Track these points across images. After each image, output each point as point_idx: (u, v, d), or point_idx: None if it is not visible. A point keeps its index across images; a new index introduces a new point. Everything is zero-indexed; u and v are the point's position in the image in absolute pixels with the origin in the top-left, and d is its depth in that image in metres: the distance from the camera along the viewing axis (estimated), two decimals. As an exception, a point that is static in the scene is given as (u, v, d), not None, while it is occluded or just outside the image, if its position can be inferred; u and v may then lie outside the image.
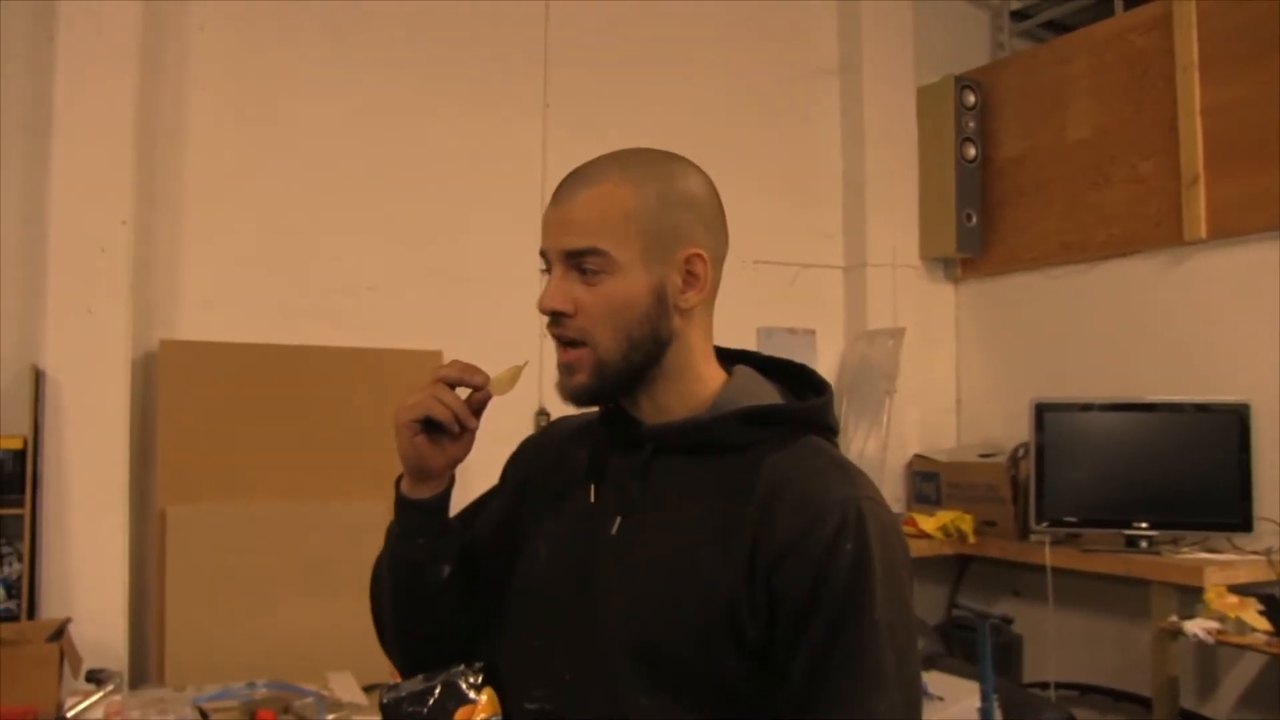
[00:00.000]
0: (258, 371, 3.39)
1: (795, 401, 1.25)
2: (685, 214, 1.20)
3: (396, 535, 1.28)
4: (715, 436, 1.19)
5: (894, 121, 4.58)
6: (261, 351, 3.41)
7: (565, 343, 1.20)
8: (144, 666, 3.20)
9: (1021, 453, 4.00)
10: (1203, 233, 3.74)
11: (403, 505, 1.26)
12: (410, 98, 3.78)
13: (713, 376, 1.25)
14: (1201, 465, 3.62)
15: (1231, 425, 3.57)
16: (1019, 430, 4.05)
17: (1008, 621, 2.83)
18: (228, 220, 3.51)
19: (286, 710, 2.56)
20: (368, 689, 2.91)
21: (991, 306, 4.62)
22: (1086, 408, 3.79)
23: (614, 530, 1.19)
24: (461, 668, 1.19)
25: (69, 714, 2.46)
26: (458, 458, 1.24)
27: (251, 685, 2.76)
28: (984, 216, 4.52)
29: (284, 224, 3.57)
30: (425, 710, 1.15)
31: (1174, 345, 3.85)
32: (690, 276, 1.20)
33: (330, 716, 2.55)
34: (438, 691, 1.16)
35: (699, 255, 1.20)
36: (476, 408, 1.23)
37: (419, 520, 1.26)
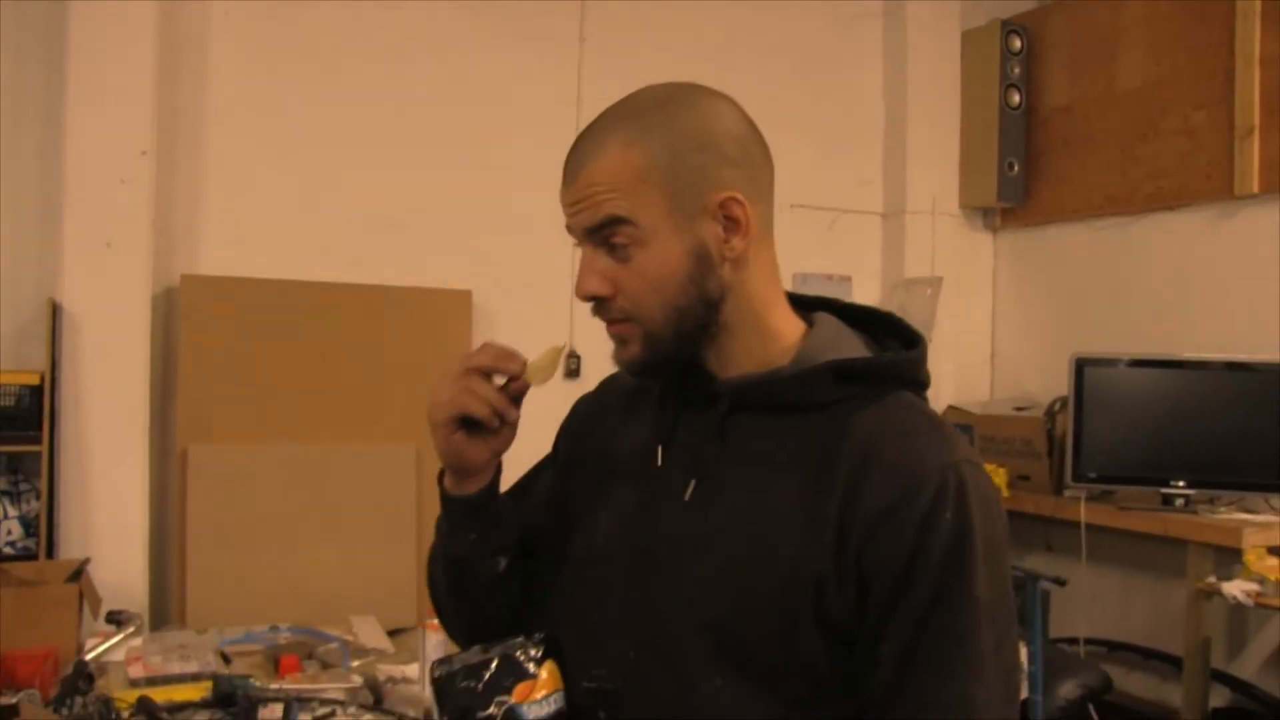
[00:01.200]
0: (281, 308, 3.32)
1: (885, 354, 1.13)
2: (703, 157, 1.06)
3: (445, 532, 1.19)
4: (801, 393, 1.08)
5: (937, 66, 4.47)
6: (285, 288, 3.34)
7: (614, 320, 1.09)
8: (164, 608, 3.17)
9: (1058, 407, 3.93)
10: (1254, 187, 3.64)
11: (448, 503, 1.17)
12: (443, 30, 3.68)
13: (788, 327, 1.13)
14: (1242, 425, 3.55)
15: (1273, 385, 3.49)
16: (1054, 384, 3.98)
17: (1061, 583, 2.75)
18: (251, 153, 3.42)
19: (310, 655, 2.52)
20: (392, 633, 2.89)
21: (1031, 258, 4.53)
22: (1130, 363, 3.70)
23: (687, 496, 1.08)
24: (521, 639, 1.09)
25: (89, 655, 2.41)
26: (500, 450, 1.14)
27: (275, 629, 2.72)
28: (1026, 166, 4.42)
29: (309, 158, 3.49)
30: (480, 686, 1.05)
31: (1218, 302, 3.77)
32: (730, 222, 1.07)
33: (355, 662, 2.51)
34: (494, 665, 1.06)
35: (733, 198, 1.06)
36: (515, 397, 1.11)
37: (466, 516, 1.16)
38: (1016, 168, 4.39)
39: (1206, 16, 3.80)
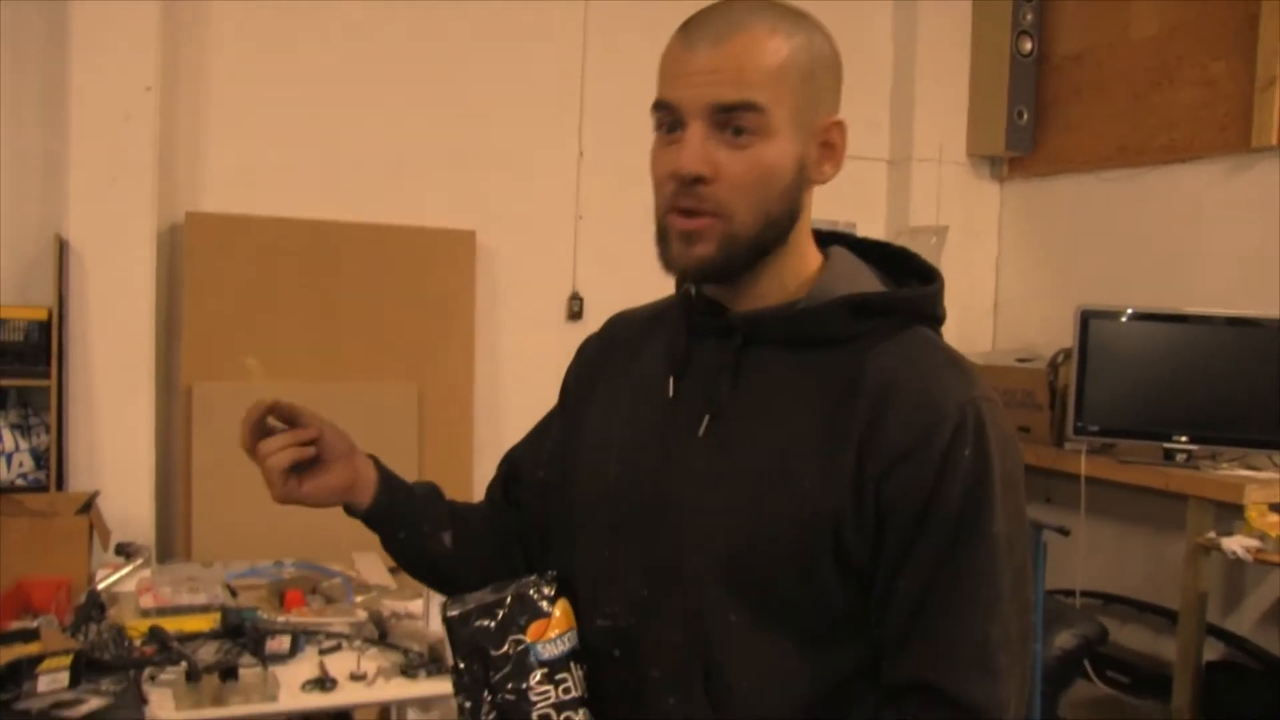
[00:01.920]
0: (286, 247, 3.31)
1: (903, 289, 1.11)
2: (831, 76, 1.06)
3: (381, 537, 1.23)
4: (817, 327, 1.05)
5: (948, 11, 4.40)
6: (290, 226, 3.33)
7: (692, 212, 1.03)
8: (170, 541, 3.20)
9: (1061, 359, 3.92)
10: (1273, 139, 3.58)
11: (365, 522, 1.21)
12: (447, -34, 3.62)
13: (812, 256, 1.11)
14: (1246, 381, 3.54)
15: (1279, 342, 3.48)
16: (1057, 336, 3.96)
17: (1065, 533, 2.76)
18: (256, 90, 3.39)
19: (314, 590, 2.55)
20: (394, 570, 2.90)
21: (1037, 208, 4.49)
22: (1134, 317, 3.69)
23: (701, 431, 1.06)
24: (534, 577, 1.09)
25: (100, 586, 2.45)
26: (350, 472, 1.19)
27: (279, 564, 2.74)
28: (1036, 114, 4.37)
29: (314, 96, 3.46)
30: (494, 625, 1.05)
31: (1227, 256, 3.73)
32: (827, 147, 1.06)
33: (358, 597, 2.53)
34: (508, 604, 1.06)
35: (839, 124, 1.06)
36: (288, 418, 1.17)
37: (382, 524, 1.21)
38: (1026, 116, 4.34)
39: (1229, -39, 3.73)
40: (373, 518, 1.20)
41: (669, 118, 1.04)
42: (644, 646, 1.06)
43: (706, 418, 1.07)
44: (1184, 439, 3.56)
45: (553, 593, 1.08)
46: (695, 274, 1.06)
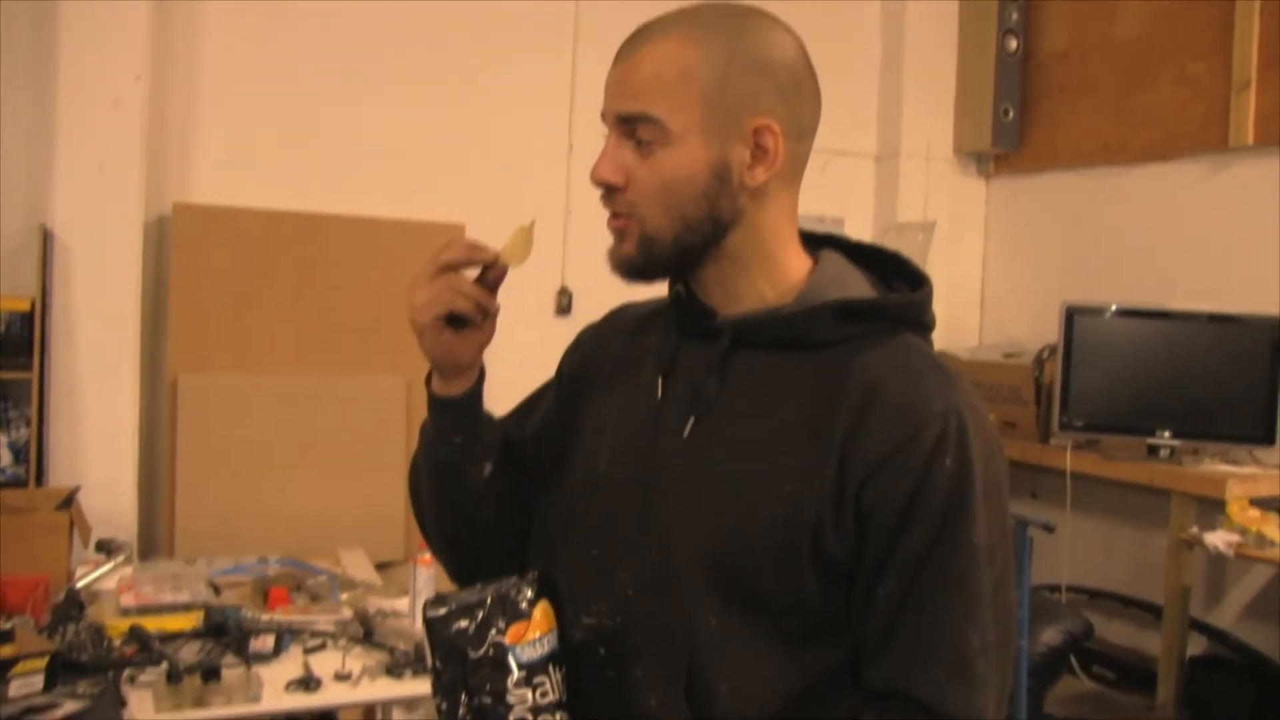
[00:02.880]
0: (274, 238, 3.29)
1: (891, 294, 1.11)
2: (756, 79, 1.05)
3: (431, 436, 1.17)
4: (805, 331, 1.06)
5: (935, 10, 4.43)
6: (278, 218, 3.31)
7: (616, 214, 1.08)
8: (153, 538, 3.18)
9: (1046, 355, 3.94)
10: (1249, 139, 3.63)
11: (436, 404, 1.15)
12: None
13: (797, 264, 1.11)
14: (1229, 377, 3.58)
15: (1263, 338, 3.52)
16: (1042, 331, 3.98)
17: (1050, 529, 2.77)
18: (245, 80, 3.37)
19: (299, 588, 2.53)
20: (379, 567, 2.89)
21: (1023, 204, 4.52)
22: (1118, 313, 3.71)
23: (686, 432, 1.07)
24: (515, 578, 1.08)
25: (79, 583, 2.43)
26: (485, 343, 1.13)
27: (264, 560, 2.73)
28: (1022, 112, 4.40)
29: (303, 87, 3.44)
30: (474, 626, 1.04)
31: (1209, 254, 3.77)
32: (759, 150, 1.05)
33: (343, 595, 2.52)
34: (488, 605, 1.06)
35: (767, 126, 1.04)
36: (493, 285, 1.11)
37: (454, 418, 1.15)
38: (1011, 114, 4.36)
39: (1207, -35, 3.76)
40: (464, 402, 1.14)
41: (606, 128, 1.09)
42: (629, 646, 1.06)
43: (692, 419, 1.08)
44: (1167, 434, 3.59)
45: (533, 594, 1.07)
46: (620, 271, 1.09)
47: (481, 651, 1.04)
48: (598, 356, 1.23)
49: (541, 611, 1.07)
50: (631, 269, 1.08)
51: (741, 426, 1.05)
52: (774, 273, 1.09)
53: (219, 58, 3.33)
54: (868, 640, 1.01)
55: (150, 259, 3.18)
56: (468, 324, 1.10)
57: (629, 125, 1.05)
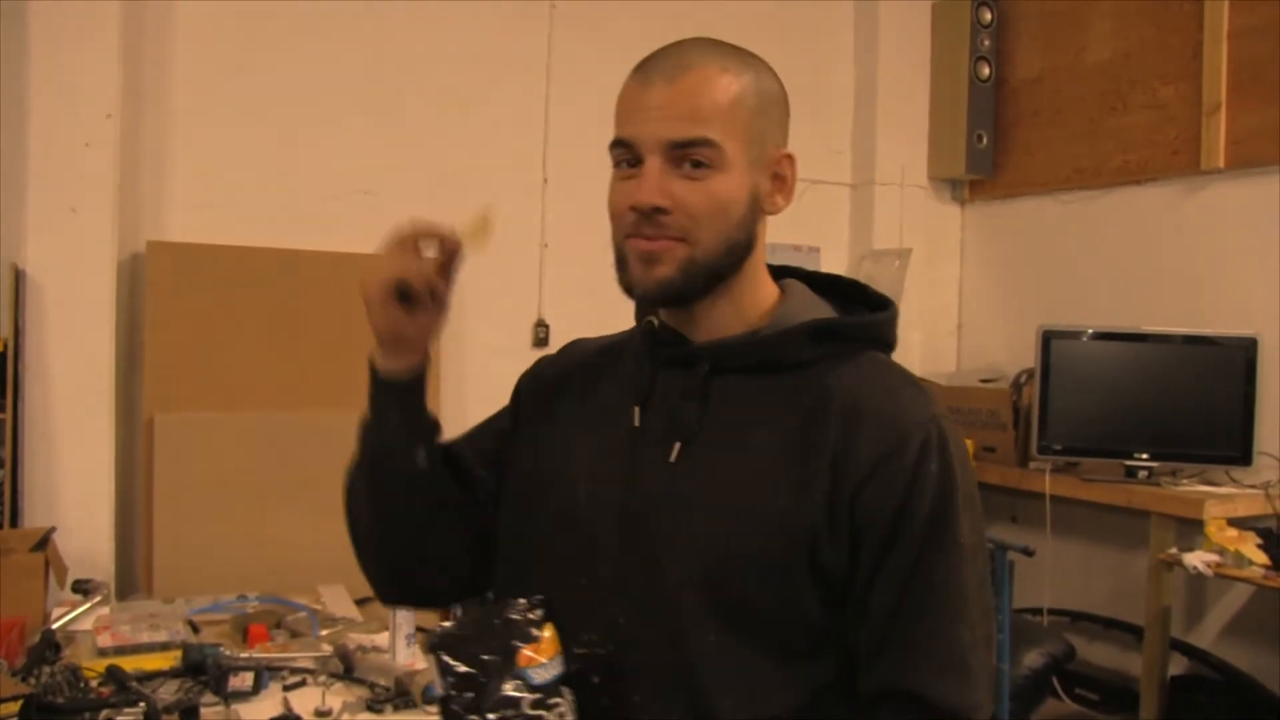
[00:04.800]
0: (249, 276, 3.29)
1: (861, 315, 1.16)
2: (778, 113, 1.13)
3: (368, 424, 1.19)
4: (782, 353, 1.10)
5: (908, 38, 4.46)
6: (253, 255, 3.31)
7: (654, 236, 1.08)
8: (131, 577, 3.15)
9: (1024, 379, 3.96)
10: (1220, 162, 3.67)
11: (377, 382, 1.18)
12: (412, -5, 3.63)
13: (767, 291, 1.16)
14: (1205, 398, 3.60)
15: (1238, 359, 3.54)
16: (1020, 356, 4.00)
17: (1029, 553, 2.79)
18: (219, 118, 3.37)
19: (279, 624, 2.51)
20: (360, 602, 2.87)
21: (998, 230, 4.55)
22: (1094, 336, 3.74)
23: (673, 457, 1.09)
24: (521, 601, 1.08)
25: (55, 624, 2.40)
26: (432, 327, 1.16)
27: (243, 598, 2.71)
28: (995, 138, 4.44)
29: (277, 123, 3.44)
30: (484, 652, 1.03)
31: (1184, 277, 3.80)
32: (778, 179, 1.12)
33: (324, 631, 2.50)
34: (497, 628, 1.04)
35: (789, 157, 1.13)
36: (446, 266, 1.15)
37: (394, 396, 1.17)
38: (985, 140, 4.40)
39: (1176, -10, 3.81)
40: (405, 381, 1.16)
41: (627, 154, 1.09)
42: (625, 672, 1.07)
43: (678, 444, 1.10)
44: (1145, 456, 3.61)
45: (540, 617, 1.07)
46: (655, 295, 1.10)
47: (492, 676, 1.04)
48: (560, 386, 1.24)
49: (549, 633, 1.07)
50: (669, 290, 1.09)
51: (727, 449, 1.08)
52: (755, 299, 1.14)
53: (191, 94, 3.33)
54: (862, 647, 1.05)
55: (124, 297, 3.17)
56: (417, 303, 1.12)
57: (682, 150, 1.06)
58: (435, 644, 1.05)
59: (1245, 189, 3.63)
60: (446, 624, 1.07)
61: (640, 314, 1.18)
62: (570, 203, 3.81)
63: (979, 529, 1.08)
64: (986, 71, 4.38)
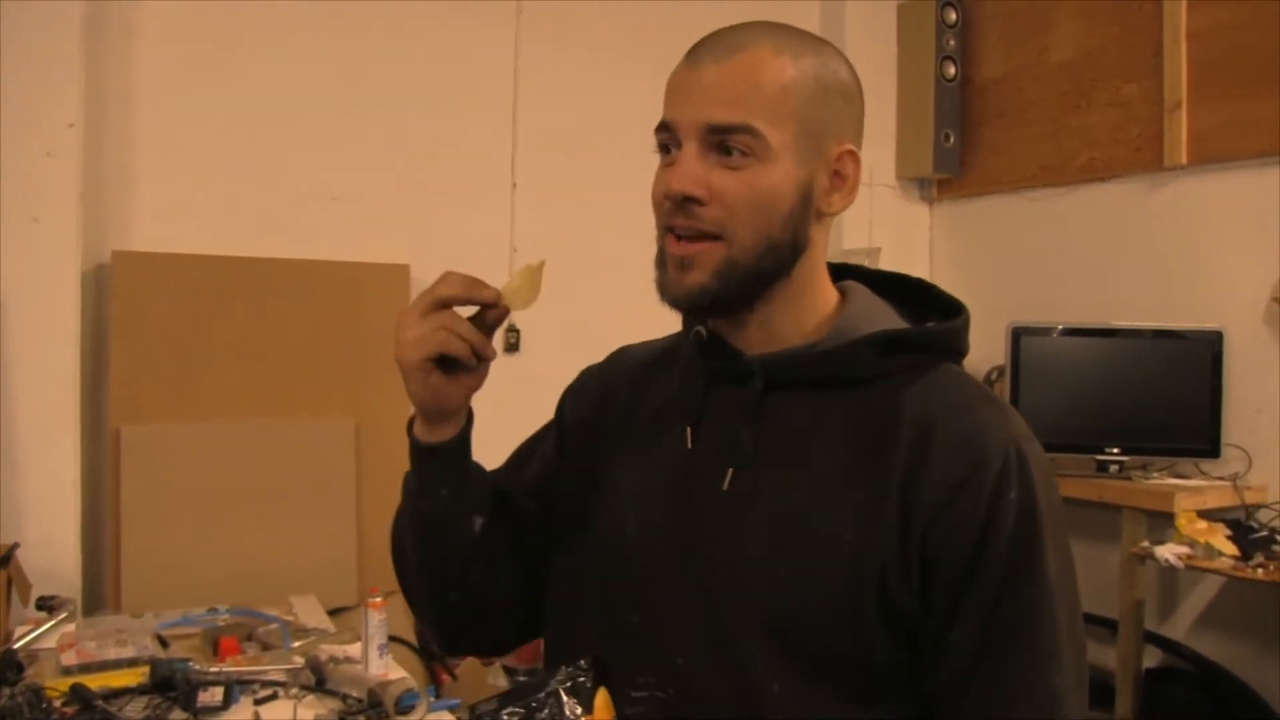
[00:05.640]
0: (216, 284, 3.25)
1: (929, 324, 1.06)
2: (842, 104, 1.02)
3: (415, 489, 1.08)
4: (843, 368, 1.00)
5: (874, 38, 4.47)
6: (220, 263, 3.27)
7: (688, 235, 0.99)
8: (99, 593, 3.10)
9: (995, 376, 3.98)
10: (1183, 159, 3.70)
11: (420, 452, 1.06)
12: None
13: (826, 297, 1.05)
14: (1174, 391, 3.63)
15: (1204, 352, 3.57)
16: (990, 353, 4.02)
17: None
18: (184, 125, 3.33)
19: (250, 637, 2.48)
20: (332, 612, 2.86)
21: (966, 228, 4.57)
22: (1063, 332, 3.76)
23: (725, 484, 1.00)
24: (570, 668, 0.99)
25: (18, 644, 2.36)
26: (475, 388, 1.04)
27: (213, 611, 2.68)
28: (962, 137, 4.46)
29: (244, 129, 3.40)
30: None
31: (1150, 271, 3.83)
32: (838, 177, 1.02)
33: (296, 643, 2.48)
34: (545, 699, 0.98)
35: (851, 152, 1.02)
36: (491, 328, 1.03)
37: (440, 467, 1.06)
38: (952, 139, 4.42)
39: (1136, -11, 3.84)
40: (450, 450, 1.05)
41: (668, 138, 1.01)
42: (687, 716, 0.99)
43: (730, 470, 1.01)
44: (1116, 450, 3.63)
45: (591, 683, 0.99)
46: (688, 303, 1.01)
47: None
48: (606, 404, 1.16)
49: (601, 700, 1.00)
50: (705, 297, 0.99)
51: (785, 474, 0.99)
52: (814, 306, 1.05)
53: (156, 102, 3.29)
54: (942, 690, 0.96)
55: (89, 309, 3.13)
56: (459, 367, 1.01)
57: (720, 135, 0.97)
58: (480, 714, 1.00)
59: (1208, 184, 3.67)
60: (496, 696, 1.01)
61: (688, 322, 1.09)
62: (539, 207, 3.80)
63: (1068, 560, 0.98)
64: (952, 71, 4.40)
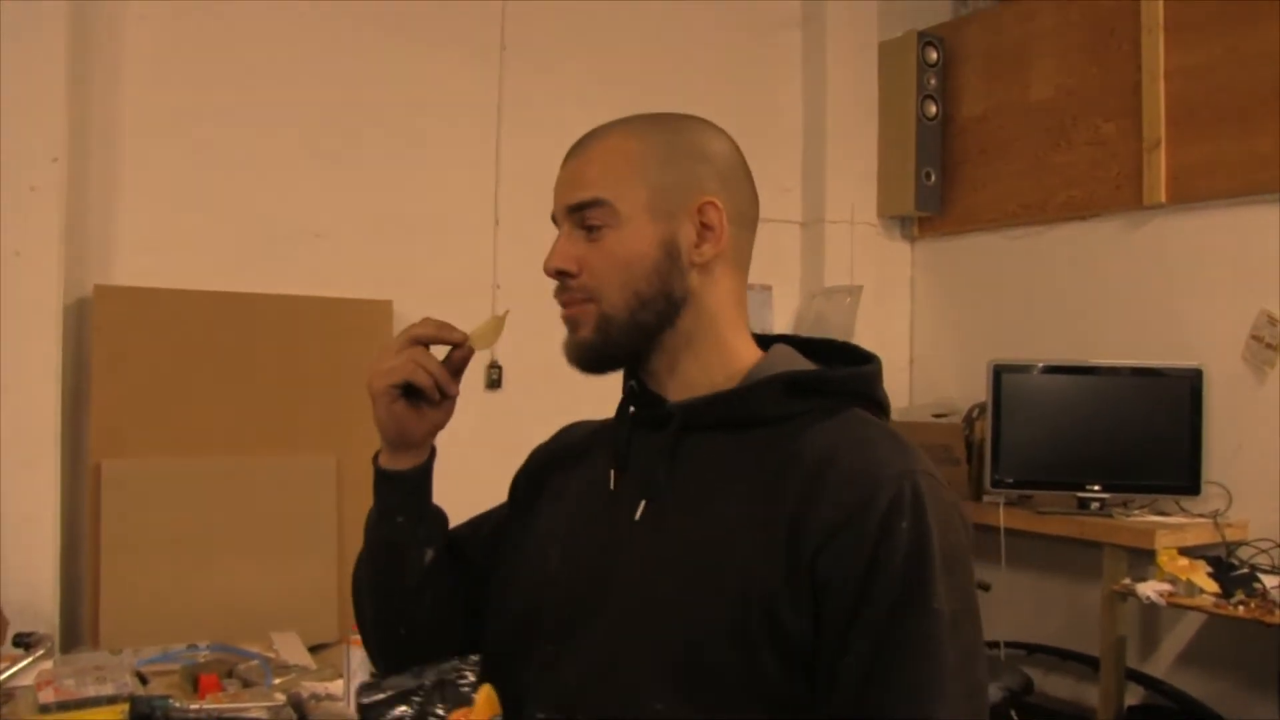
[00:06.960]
0: (198, 320, 3.25)
1: (838, 368, 1.12)
2: (697, 164, 1.11)
3: (374, 519, 1.18)
4: (753, 408, 1.06)
5: (855, 77, 4.52)
6: (202, 299, 3.27)
7: (571, 303, 1.12)
8: (77, 629, 3.07)
9: (976, 413, 4.00)
10: (1162, 197, 3.74)
11: (382, 479, 1.16)
12: (361, 36, 3.62)
13: (746, 351, 1.13)
14: (1154, 429, 3.65)
15: (1184, 390, 3.59)
16: (972, 390, 4.04)
17: (985, 588, 2.80)
18: (168, 160, 3.34)
19: (230, 674, 2.46)
20: (314, 649, 2.84)
21: (948, 266, 4.60)
22: (1044, 370, 3.79)
23: (637, 516, 1.07)
24: (456, 662, 1.06)
25: (-5, 681, 2.34)
26: (439, 424, 1.16)
27: (193, 648, 2.66)
28: (943, 175, 4.50)
29: (227, 165, 3.41)
30: (412, 713, 1.01)
31: (1130, 309, 3.86)
32: (704, 229, 1.10)
33: (277, 680, 2.46)
34: (428, 689, 1.03)
35: (712, 203, 1.10)
36: (457, 368, 1.15)
37: (399, 495, 1.16)
38: (934, 177, 4.46)
39: (1114, 29, 3.89)
40: (410, 479, 1.16)
41: (557, 226, 1.14)
42: None
43: (643, 503, 1.08)
44: (1096, 488, 3.65)
45: (475, 678, 1.05)
46: (580, 356, 1.11)
47: None
48: (548, 470, 1.24)
49: (484, 695, 1.03)
50: (590, 351, 1.10)
51: (692, 509, 1.05)
52: (724, 356, 1.12)
53: (139, 137, 3.30)
54: (833, 717, 0.97)
55: (71, 343, 3.12)
56: (424, 399, 1.12)
57: (579, 214, 1.09)
58: (364, 703, 1.04)
59: (1187, 222, 3.70)
60: (377, 682, 1.05)
61: (625, 380, 1.18)
62: (522, 244, 3.81)
63: (966, 600, 0.98)
64: (933, 110, 4.45)
